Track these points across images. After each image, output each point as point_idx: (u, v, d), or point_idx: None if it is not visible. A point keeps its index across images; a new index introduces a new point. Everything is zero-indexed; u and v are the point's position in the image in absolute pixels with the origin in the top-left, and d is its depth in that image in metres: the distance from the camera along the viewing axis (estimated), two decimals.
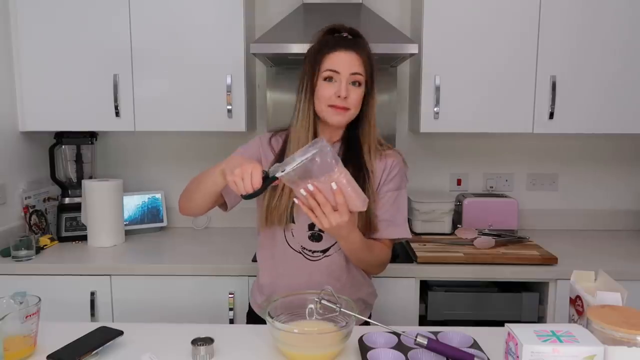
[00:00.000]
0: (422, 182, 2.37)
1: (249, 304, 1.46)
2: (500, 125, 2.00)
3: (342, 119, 1.24)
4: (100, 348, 1.03)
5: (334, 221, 1.07)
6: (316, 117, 1.27)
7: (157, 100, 2.00)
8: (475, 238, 1.94)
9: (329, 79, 1.22)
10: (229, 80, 1.97)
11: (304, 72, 1.26)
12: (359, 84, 1.23)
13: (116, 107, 1.99)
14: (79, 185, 2.12)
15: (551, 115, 1.97)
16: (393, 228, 1.31)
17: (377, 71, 1.29)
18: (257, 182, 1.05)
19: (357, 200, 1.06)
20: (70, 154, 2.20)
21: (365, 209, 1.10)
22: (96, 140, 2.25)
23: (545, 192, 2.37)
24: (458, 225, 2.12)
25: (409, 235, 1.33)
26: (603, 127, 1.99)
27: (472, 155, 2.36)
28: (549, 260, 1.79)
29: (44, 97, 2.01)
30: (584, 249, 2.04)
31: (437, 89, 1.96)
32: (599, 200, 2.36)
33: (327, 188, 1.04)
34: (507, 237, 2.01)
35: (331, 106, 1.22)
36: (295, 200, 1.08)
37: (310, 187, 1.04)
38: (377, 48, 1.82)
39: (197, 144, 2.36)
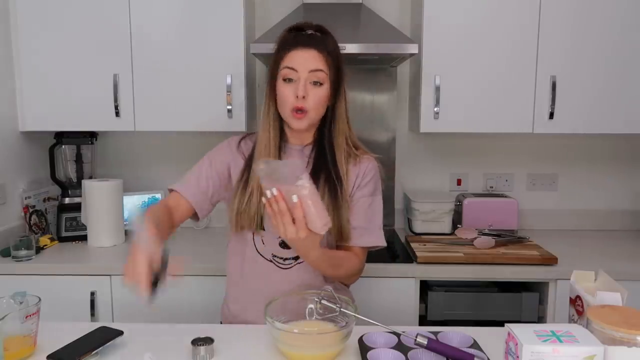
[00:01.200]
0: (422, 182, 2.37)
1: (221, 321, 1.39)
2: (500, 125, 2.00)
3: (302, 123, 1.18)
4: (100, 348, 1.03)
5: (289, 233, 1.01)
6: (281, 120, 1.23)
7: (157, 100, 2.00)
8: (475, 238, 1.94)
9: (288, 79, 1.17)
10: (229, 80, 1.97)
11: (267, 74, 1.23)
12: (320, 84, 1.17)
13: (116, 107, 1.99)
14: (79, 185, 2.12)
15: (551, 115, 1.97)
16: (367, 236, 1.26)
17: (345, 68, 1.22)
18: (145, 291, 0.95)
19: (317, 222, 1.02)
20: (70, 154, 2.20)
21: (322, 233, 1.03)
22: (96, 140, 2.25)
23: (545, 192, 2.37)
24: (458, 225, 2.12)
25: (383, 244, 1.27)
26: (603, 127, 1.99)
27: (472, 155, 2.36)
28: (549, 260, 1.79)
29: (44, 97, 2.01)
30: (584, 249, 2.04)
31: (437, 89, 1.96)
32: (599, 201, 2.36)
33: (289, 199, 1.01)
34: (507, 237, 2.01)
35: (292, 110, 1.16)
36: (263, 199, 1.03)
37: (275, 191, 1.00)
38: (377, 48, 1.85)
39: (197, 144, 2.34)
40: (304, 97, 1.16)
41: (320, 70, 1.17)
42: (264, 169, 1.02)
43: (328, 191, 1.20)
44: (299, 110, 1.17)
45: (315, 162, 1.24)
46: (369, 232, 1.26)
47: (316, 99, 1.17)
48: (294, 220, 1.01)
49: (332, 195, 1.20)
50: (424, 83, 1.98)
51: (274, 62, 1.20)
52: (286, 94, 1.17)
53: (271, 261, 1.25)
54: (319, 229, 1.02)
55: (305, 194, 1.00)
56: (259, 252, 1.25)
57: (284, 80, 1.18)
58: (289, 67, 1.16)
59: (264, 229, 1.22)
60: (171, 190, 1.30)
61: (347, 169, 1.24)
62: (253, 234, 1.24)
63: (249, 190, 1.21)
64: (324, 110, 1.22)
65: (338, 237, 1.23)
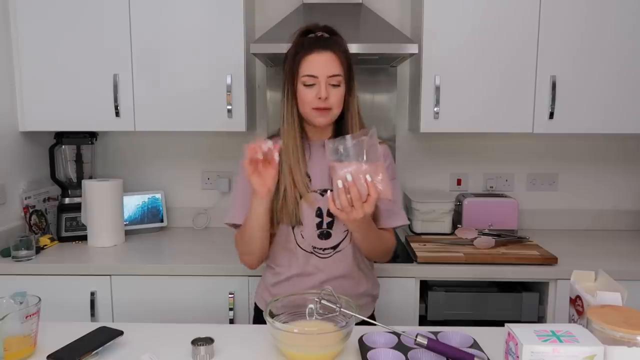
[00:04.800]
0: (422, 182, 2.37)
1: (255, 305, 1.46)
2: (500, 125, 2.00)
3: (325, 120, 1.27)
4: (100, 348, 1.04)
5: (361, 213, 1.08)
6: (302, 119, 1.30)
7: (157, 100, 2.00)
8: (475, 238, 1.94)
9: (309, 84, 1.24)
10: (229, 80, 1.97)
11: (284, 76, 1.29)
12: (338, 84, 1.25)
13: (116, 107, 1.99)
14: (79, 185, 2.12)
15: (551, 115, 1.97)
16: (394, 217, 1.36)
17: (354, 66, 1.30)
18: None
19: (387, 187, 1.09)
20: (70, 154, 2.20)
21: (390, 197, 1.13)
22: (96, 140, 2.25)
23: (545, 192, 2.37)
24: (458, 225, 2.12)
25: (407, 222, 1.40)
26: (603, 127, 1.99)
27: (472, 155, 2.36)
28: (549, 260, 1.79)
29: (44, 97, 2.01)
30: (584, 249, 2.04)
31: (437, 89, 1.96)
32: (599, 200, 2.36)
33: (363, 178, 1.07)
34: (507, 237, 2.01)
35: (314, 109, 1.25)
36: (333, 191, 1.10)
37: (350, 177, 1.06)
38: (377, 48, 1.85)
39: (197, 144, 2.36)
40: (326, 98, 1.23)
41: (337, 75, 1.24)
42: (335, 153, 1.09)
43: None
44: (322, 109, 1.24)
45: None
46: (395, 213, 1.36)
47: (337, 98, 1.26)
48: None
49: None
50: (424, 83, 1.98)
51: (291, 67, 1.26)
52: (308, 96, 1.24)
53: (312, 253, 1.32)
54: (389, 194, 1.10)
55: (381, 168, 1.08)
56: (299, 245, 1.32)
57: (305, 85, 1.25)
58: (308, 75, 1.24)
59: (302, 224, 1.29)
60: (231, 225, 1.38)
61: None
62: (292, 228, 1.31)
63: (282, 188, 1.27)
64: (342, 106, 1.29)
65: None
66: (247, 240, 1.28)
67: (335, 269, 1.32)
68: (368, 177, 1.07)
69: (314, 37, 1.28)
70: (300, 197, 1.27)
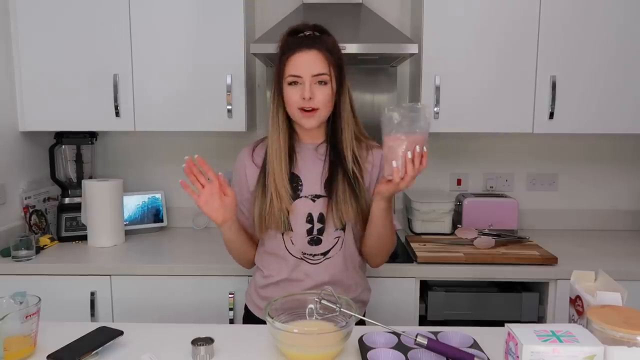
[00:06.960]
0: (422, 182, 2.37)
1: (245, 307, 1.46)
2: (500, 125, 2.00)
3: (313, 121, 1.24)
4: (100, 348, 1.04)
5: (418, 170, 1.18)
6: (291, 121, 1.28)
7: (157, 100, 2.00)
8: (475, 238, 1.94)
9: (293, 83, 1.22)
10: (229, 80, 1.97)
11: (273, 78, 1.28)
12: (325, 83, 1.22)
13: (116, 107, 1.99)
14: (79, 185, 2.12)
15: (551, 115, 1.97)
16: (394, 220, 1.35)
17: (345, 64, 1.27)
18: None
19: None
20: (70, 154, 2.20)
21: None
22: (96, 140, 2.25)
23: (545, 192, 2.37)
24: (458, 225, 2.12)
25: (400, 226, 1.40)
26: (603, 127, 1.99)
27: (472, 155, 2.36)
28: (549, 260, 1.79)
29: (44, 97, 2.01)
30: (584, 249, 2.04)
31: (437, 89, 1.96)
32: (599, 200, 2.36)
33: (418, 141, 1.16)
34: (507, 237, 2.01)
35: (300, 109, 1.22)
36: (409, 154, 1.15)
37: (418, 148, 1.16)
38: (377, 48, 1.85)
39: (197, 144, 2.36)
40: (310, 98, 1.20)
41: (323, 73, 1.21)
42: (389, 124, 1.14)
43: (348, 185, 1.26)
44: (308, 110, 1.22)
45: (330, 159, 1.30)
46: (393, 218, 1.34)
47: (323, 96, 1.22)
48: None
49: (351, 188, 1.26)
50: (424, 83, 1.98)
51: (278, 67, 1.24)
52: (293, 97, 1.22)
53: (302, 259, 1.30)
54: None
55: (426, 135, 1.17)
56: (289, 251, 1.30)
57: (290, 84, 1.22)
58: (292, 75, 1.21)
59: (292, 230, 1.28)
60: None
61: (360, 158, 1.30)
62: (282, 234, 1.30)
63: (269, 195, 1.26)
64: (332, 107, 1.26)
65: (362, 226, 1.31)
66: (229, 251, 1.37)
67: (325, 274, 1.29)
68: (421, 148, 1.16)
69: (300, 36, 1.25)
70: (287, 209, 1.26)
